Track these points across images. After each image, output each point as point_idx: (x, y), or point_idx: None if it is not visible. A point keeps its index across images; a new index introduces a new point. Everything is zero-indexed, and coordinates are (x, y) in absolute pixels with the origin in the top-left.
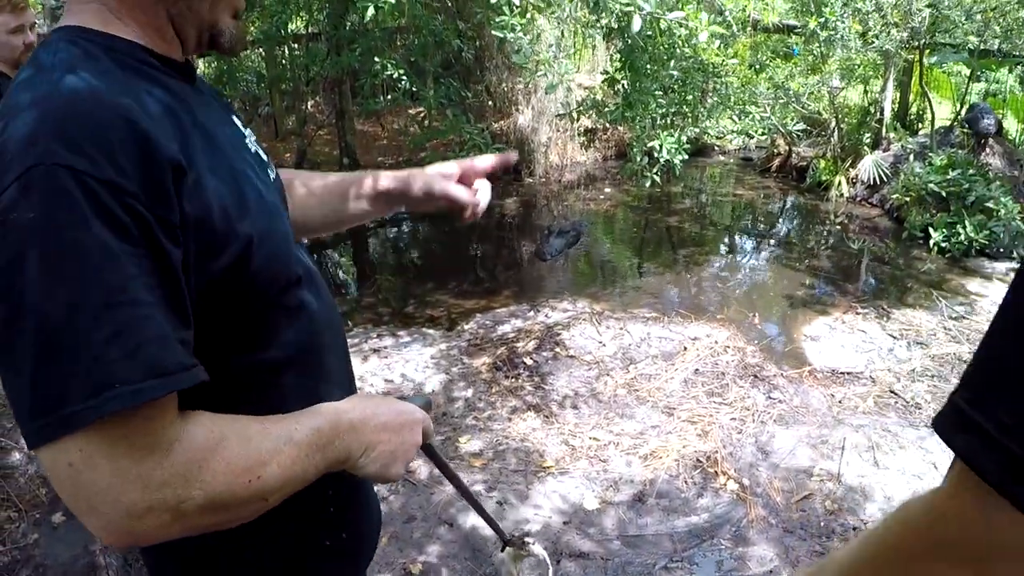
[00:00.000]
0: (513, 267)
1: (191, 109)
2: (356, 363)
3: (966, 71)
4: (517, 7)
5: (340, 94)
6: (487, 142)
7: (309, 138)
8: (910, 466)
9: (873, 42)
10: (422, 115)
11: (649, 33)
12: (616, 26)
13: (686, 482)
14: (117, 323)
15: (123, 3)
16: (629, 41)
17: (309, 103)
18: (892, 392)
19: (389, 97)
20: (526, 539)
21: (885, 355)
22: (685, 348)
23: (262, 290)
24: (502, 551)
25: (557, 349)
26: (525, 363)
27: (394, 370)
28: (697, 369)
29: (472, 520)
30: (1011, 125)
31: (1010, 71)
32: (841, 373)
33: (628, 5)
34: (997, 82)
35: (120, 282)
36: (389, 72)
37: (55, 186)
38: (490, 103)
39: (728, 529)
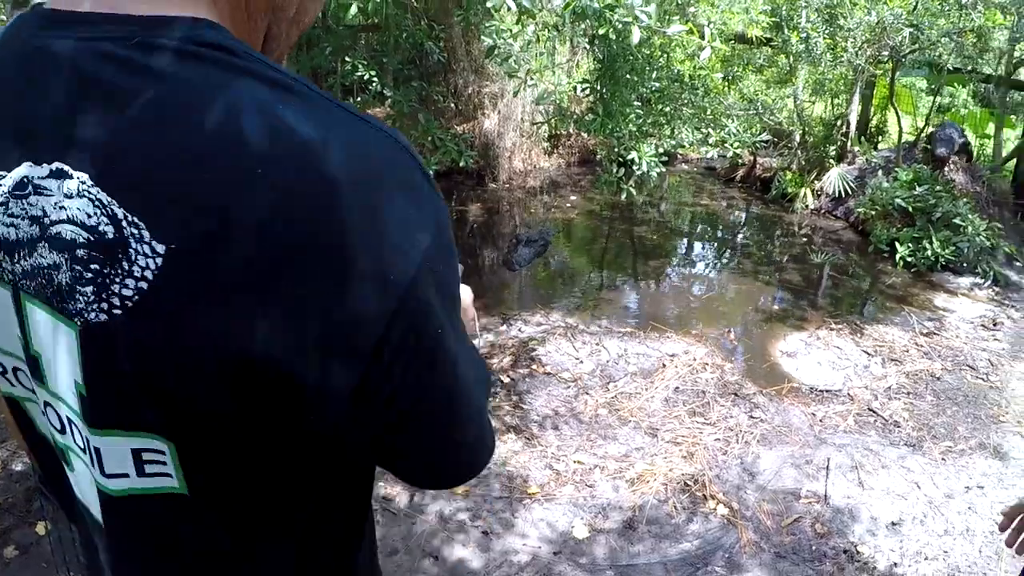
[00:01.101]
0: (481, 277)
1: None
2: None
3: (923, 85)
4: (512, 11)
5: None
6: (460, 149)
7: None
8: (894, 486)
9: (842, 56)
10: (391, 118)
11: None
12: (613, 36)
13: (675, 507)
14: None
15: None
16: (613, 50)
17: None
18: (871, 410)
19: (359, 99)
20: None
21: (861, 372)
22: (664, 365)
23: None
24: None
25: (533, 366)
26: (502, 381)
27: None
28: (677, 387)
29: (458, 552)
30: (970, 139)
31: (963, 86)
32: (820, 391)
33: (627, 16)
34: (951, 96)
35: None
36: (360, 73)
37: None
38: (453, 105)
39: (721, 555)
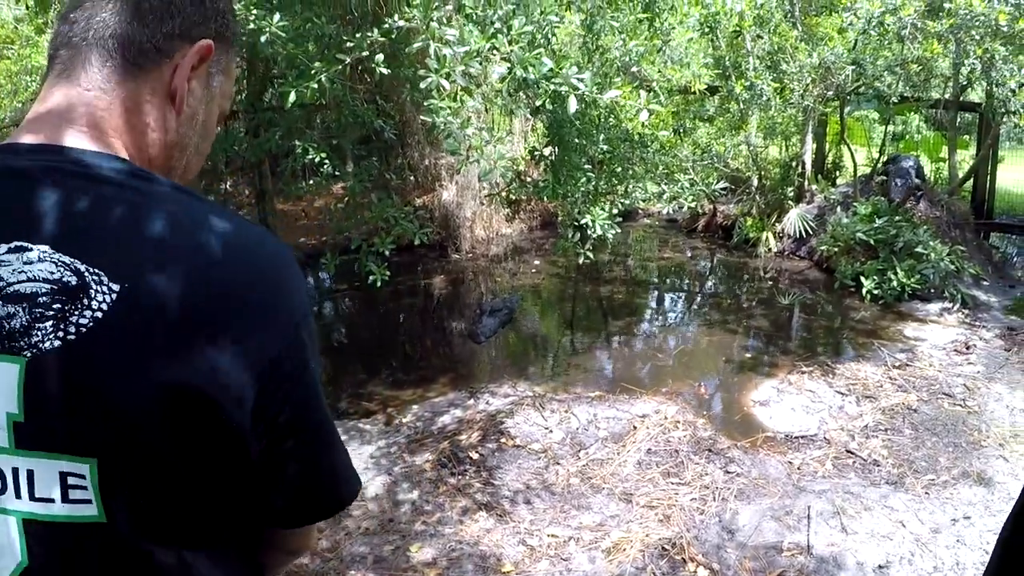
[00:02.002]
0: (447, 351)
1: None
2: None
3: (875, 116)
4: (446, 91)
5: (260, 175)
6: (415, 227)
7: None
8: (878, 527)
9: (791, 98)
10: (346, 198)
11: (578, 107)
12: (550, 106)
13: (654, 574)
14: None
15: (159, 147)
16: (558, 116)
17: (228, 183)
18: (848, 451)
19: (312, 182)
20: None
21: (836, 413)
22: (635, 427)
23: None
24: None
25: (502, 439)
26: (471, 457)
27: None
28: (650, 449)
29: None
30: (924, 164)
31: (915, 112)
32: (795, 437)
33: (562, 85)
34: (904, 123)
35: None
36: (312, 156)
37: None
38: (412, 178)
39: None
